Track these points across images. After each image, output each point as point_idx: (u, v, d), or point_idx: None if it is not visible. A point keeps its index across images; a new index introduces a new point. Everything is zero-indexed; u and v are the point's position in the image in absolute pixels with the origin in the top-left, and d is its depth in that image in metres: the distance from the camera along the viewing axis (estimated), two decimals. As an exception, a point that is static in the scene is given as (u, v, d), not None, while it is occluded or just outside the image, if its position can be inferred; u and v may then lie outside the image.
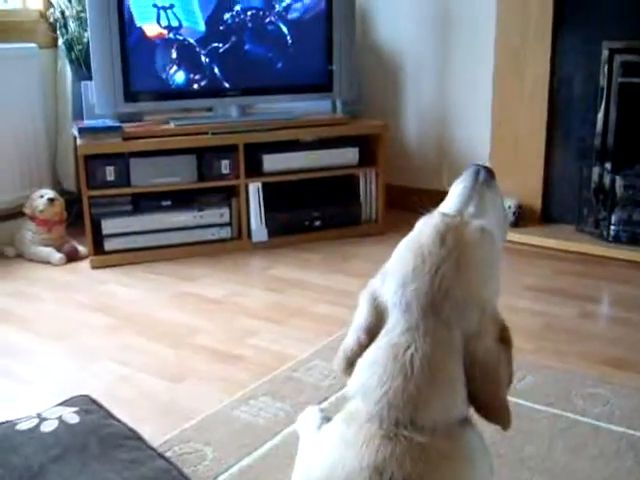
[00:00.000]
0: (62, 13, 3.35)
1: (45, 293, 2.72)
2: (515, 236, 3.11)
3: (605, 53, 3.01)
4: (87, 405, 1.69)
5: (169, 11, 3.02)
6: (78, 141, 2.95)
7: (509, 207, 3.17)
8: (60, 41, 3.39)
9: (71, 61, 3.37)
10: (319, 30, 3.23)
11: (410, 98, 3.73)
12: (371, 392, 0.99)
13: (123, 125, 3.02)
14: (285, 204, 3.29)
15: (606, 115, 3.07)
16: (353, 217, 3.39)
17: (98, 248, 3.00)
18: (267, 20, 3.16)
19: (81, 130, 2.97)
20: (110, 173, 2.94)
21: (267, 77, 3.22)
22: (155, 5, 2.99)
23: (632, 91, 3.02)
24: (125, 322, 2.43)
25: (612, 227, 3.04)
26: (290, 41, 3.21)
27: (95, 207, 2.99)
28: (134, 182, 3.00)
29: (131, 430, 1.62)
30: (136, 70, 3.01)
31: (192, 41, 3.07)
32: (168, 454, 1.60)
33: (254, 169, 3.17)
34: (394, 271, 1.05)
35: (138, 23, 2.98)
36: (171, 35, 3.05)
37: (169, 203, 3.11)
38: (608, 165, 3.07)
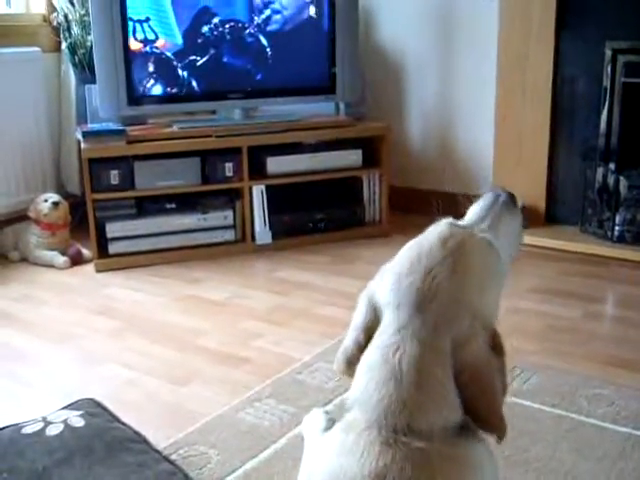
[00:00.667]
0: (65, 17, 3.36)
1: (49, 296, 2.73)
2: (519, 237, 3.10)
3: (608, 53, 3.01)
4: (92, 408, 1.69)
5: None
6: (82, 144, 2.95)
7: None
8: (63, 45, 3.40)
9: (74, 65, 3.38)
10: (322, 32, 3.24)
11: (413, 100, 3.73)
12: (368, 399, 0.99)
13: (127, 128, 3.02)
14: (289, 206, 3.29)
15: (610, 116, 3.06)
16: (357, 219, 3.39)
17: (102, 251, 3.01)
18: (269, 23, 3.16)
19: (85, 133, 2.97)
20: (114, 176, 2.95)
21: (270, 80, 3.22)
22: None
23: (635, 91, 3.01)
24: (129, 325, 2.44)
25: (616, 227, 3.03)
26: (293, 44, 3.21)
27: (99, 210, 2.99)
28: (138, 185, 3.00)
29: (136, 433, 1.62)
30: (139, 73, 3.02)
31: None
32: (173, 457, 1.60)
33: (258, 172, 3.18)
34: (391, 269, 1.07)
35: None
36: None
37: (173, 206, 3.12)
38: (612, 165, 3.06)
